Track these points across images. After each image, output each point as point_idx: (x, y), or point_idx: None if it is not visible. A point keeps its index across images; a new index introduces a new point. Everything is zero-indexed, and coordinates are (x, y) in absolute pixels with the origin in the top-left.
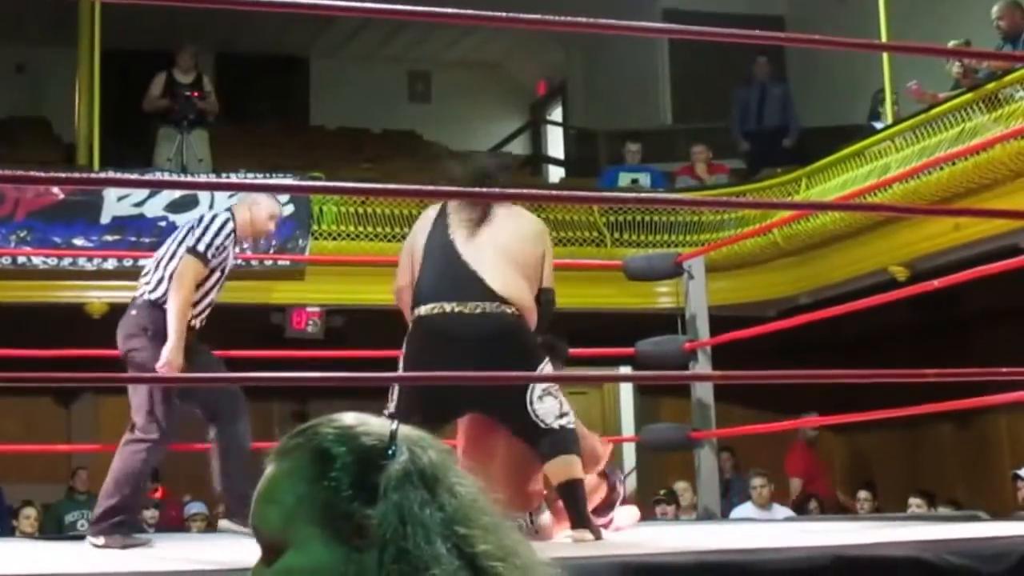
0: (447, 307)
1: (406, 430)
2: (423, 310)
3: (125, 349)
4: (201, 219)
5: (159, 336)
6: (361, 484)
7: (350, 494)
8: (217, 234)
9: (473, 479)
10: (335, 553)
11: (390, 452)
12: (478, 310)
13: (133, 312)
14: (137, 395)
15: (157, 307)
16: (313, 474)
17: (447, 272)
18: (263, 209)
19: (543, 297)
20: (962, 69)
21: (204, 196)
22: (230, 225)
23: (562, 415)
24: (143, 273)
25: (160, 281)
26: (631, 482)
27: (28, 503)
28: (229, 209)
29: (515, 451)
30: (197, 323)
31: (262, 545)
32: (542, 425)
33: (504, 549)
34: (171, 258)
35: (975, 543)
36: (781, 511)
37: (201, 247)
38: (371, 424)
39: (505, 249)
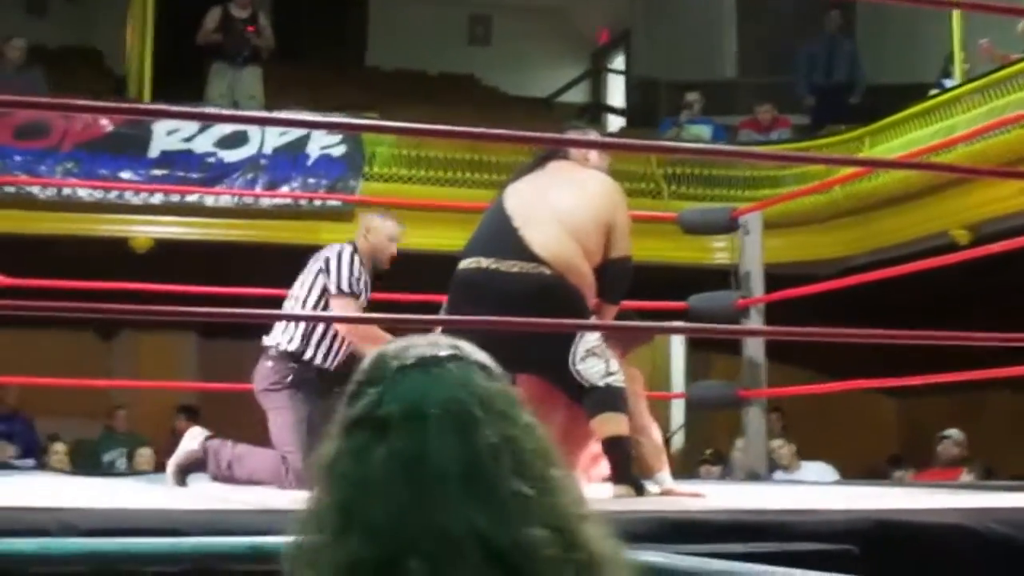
0: (484, 263)
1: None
2: (462, 263)
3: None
4: (328, 260)
5: (298, 387)
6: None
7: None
8: (351, 267)
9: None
10: None
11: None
12: (514, 268)
13: (269, 364)
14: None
15: (295, 358)
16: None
17: (490, 227)
18: (379, 232)
19: (610, 267)
20: None
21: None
22: (357, 256)
23: (609, 374)
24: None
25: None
26: (678, 440)
27: (55, 438)
28: (351, 243)
29: (575, 413)
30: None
31: None
32: (586, 384)
33: None
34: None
35: (1021, 512)
36: (813, 468)
37: (345, 286)
38: (417, 349)
39: (555, 208)
